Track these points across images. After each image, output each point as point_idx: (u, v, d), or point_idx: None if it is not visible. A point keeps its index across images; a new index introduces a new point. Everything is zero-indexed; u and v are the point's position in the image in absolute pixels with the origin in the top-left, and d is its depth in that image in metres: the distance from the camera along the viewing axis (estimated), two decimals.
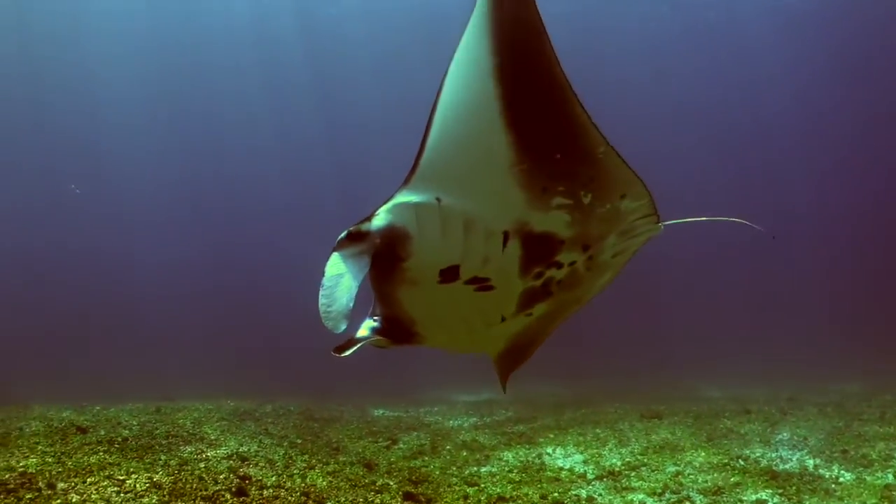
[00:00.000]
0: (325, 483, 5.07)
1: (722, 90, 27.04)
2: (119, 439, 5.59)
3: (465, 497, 5.08)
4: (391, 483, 5.20)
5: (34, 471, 4.44)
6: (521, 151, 2.73)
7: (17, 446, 5.08)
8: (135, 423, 6.32)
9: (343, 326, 2.62)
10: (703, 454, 6.21)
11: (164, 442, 5.67)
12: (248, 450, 5.78)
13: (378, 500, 4.73)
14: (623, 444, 6.85)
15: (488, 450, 6.61)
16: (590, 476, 5.82)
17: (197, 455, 5.38)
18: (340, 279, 2.71)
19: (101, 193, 29.41)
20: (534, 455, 6.45)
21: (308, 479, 5.11)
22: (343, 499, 4.71)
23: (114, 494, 4.21)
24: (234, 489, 4.57)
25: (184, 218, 30.84)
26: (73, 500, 4.03)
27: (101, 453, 5.09)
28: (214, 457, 5.40)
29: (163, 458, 5.12)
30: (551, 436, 7.18)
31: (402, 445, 6.62)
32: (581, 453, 6.54)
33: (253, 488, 4.69)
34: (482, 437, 7.07)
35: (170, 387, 10.15)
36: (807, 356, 15.27)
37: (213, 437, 6.08)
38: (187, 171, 29.85)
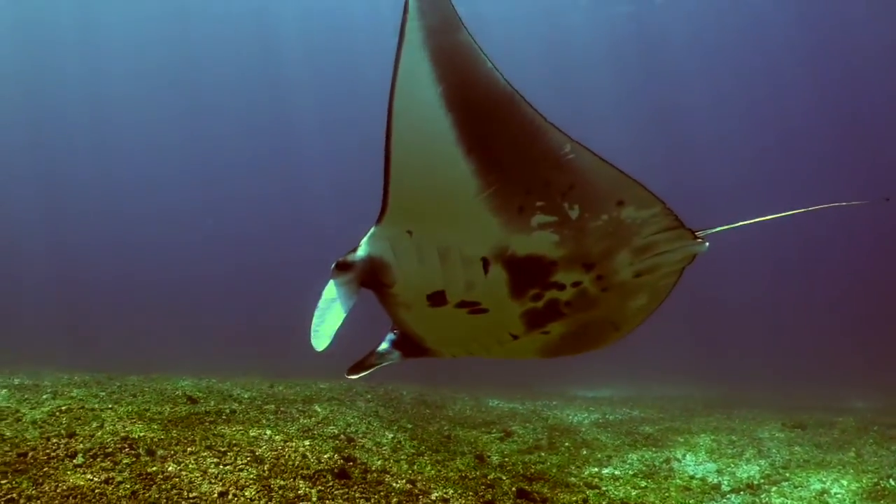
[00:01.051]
0: (432, 472, 4.72)
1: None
2: (227, 411, 5.45)
3: (585, 500, 4.61)
4: (504, 478, 4.79)
5: (137, 436, 4.31)
6: (485, 176, 2.62)
7: (126, 412, 5.01)
8: (246, 396, 6.21)
9: (325, 345, 2.77)
10: (851, 471, 5.48)
11: (271, 417, 5.50)
12: (356, 431, 5.52)
13: (489, 496, 4.33)
14: (763, 454, 6.15)
15: (611, 450, 6.08)
16: (724, 488, 5.21)
17: (303, 433, 5.16)
18: (332, 303, 2.87)
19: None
20: (661, 459, 5.87)
21: (416, 467, 4.78)
22: (451, 491, 4.34)
23: (212, 466, 4.01)
24: (336, 470, 4.29)
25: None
26: (170, 468, 3.85)
27: (206, 424, 4.95)
28: (321, 435, 5.16)
29: (268, 433, 4.92)
30: (681, 440, 6.56)
31: (516, 439, 6.20)
32: (714, 461, 5.91)
33: (356, 471, 4.40)
34: (604, 436, 6.54)
35: (288, 364, 10.12)
36: None
37: (322, 416, 5.87)
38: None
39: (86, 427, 4.45)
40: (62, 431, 4.30)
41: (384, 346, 3.20)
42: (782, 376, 12.42)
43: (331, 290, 2.90)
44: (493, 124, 2.55)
